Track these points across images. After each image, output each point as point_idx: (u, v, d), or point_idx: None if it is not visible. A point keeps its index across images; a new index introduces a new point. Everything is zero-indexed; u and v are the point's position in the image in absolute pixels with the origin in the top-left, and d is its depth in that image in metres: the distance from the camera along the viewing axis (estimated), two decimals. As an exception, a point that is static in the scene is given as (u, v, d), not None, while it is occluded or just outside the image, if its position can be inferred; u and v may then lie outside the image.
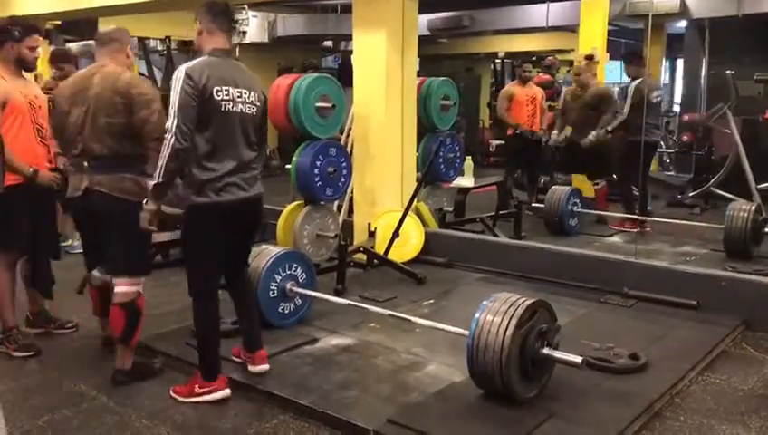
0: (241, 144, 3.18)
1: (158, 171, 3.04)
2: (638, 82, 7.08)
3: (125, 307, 3.45)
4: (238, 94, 3.15)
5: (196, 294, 3.29)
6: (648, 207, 7.57)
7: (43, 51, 4.24)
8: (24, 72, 4.01)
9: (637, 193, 7.25)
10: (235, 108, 3.13)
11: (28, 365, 3.69)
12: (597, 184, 7.34)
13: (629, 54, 7.74)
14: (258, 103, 3.25)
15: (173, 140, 2.99)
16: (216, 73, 3.10)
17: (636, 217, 6.82)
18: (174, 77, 3.07)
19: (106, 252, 3.51)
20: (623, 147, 7.11)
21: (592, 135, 7.06)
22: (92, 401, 3.33)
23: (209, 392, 3.27)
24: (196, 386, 3.29)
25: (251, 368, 3.49)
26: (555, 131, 7.61)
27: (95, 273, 3.67)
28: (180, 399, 3.29)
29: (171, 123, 3.00)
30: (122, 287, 3.46)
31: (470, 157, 7.35)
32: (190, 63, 3.11)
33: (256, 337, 3.53)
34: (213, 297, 3.31)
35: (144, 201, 3.18)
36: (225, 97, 3.10)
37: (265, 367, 3.49)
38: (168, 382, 3.51)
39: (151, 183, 3.10)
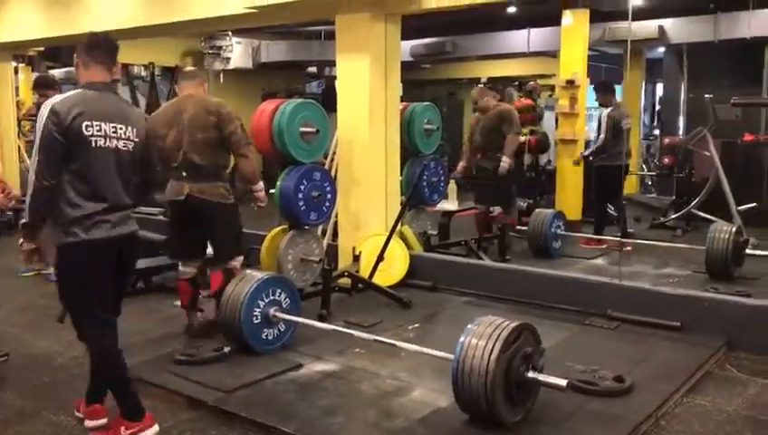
0: (115, 180, 3.07)
1: (25, 211, 3.00)
2: (609, 110, 7.44)
3: (226, 273, 4.37)
4: (113, 130, 3.05)
5: (87, 338, 3.19)
6: (630, 229, 7.67)
7: (26, 77, 4.26)
8: None
9: (617, 214, 7.51)
10: (107, 143, 3.03)
11: (5, 395, 3.62)
12: (491, 211, 7.09)
13: (600, 84, 7.95)
14: (137, 139, 3.14)
15: (35, 178, 2.91)
16: (87, 108, 3.00)
17: (604, 237, 7.31)
18: (39, 112, 3.00)
19: (212, 245, 4.45)
20: (596, 171, 7.51)
21: (504, 161, 6.81)
22: (72, 430, 3.27)
23: (138, 432, 3.11)
24: (122, 428, 3.11)
25: (86, 423, 3.27)
26: (461, 162, 7.48)
27: (183, 268, 4.44)
28: None
29: (34, 161, 2.94)
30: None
31: (454, 180, 7.36)
32: (58, 98, 3.02)
33: (100, 389, 3.29)
34: (106, 334, 3.15)
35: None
36: (96, 133, 2.99)
37: (100, 422, 3.24)
38: (149, 412, 3.46)
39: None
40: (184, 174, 4.27)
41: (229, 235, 4.48)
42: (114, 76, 3.25)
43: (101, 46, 3.17)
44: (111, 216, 3.05)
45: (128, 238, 3.15)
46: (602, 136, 7.37)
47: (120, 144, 3.08)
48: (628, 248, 7.03)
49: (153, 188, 3.47)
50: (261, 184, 4.62)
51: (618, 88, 12.09)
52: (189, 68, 4.74)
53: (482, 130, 7.02)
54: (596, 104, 9.32)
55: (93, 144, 2.99)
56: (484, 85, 8.20)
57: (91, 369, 3.26)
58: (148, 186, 3.40)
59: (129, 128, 3.12)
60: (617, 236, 7.11)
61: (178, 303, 5.25)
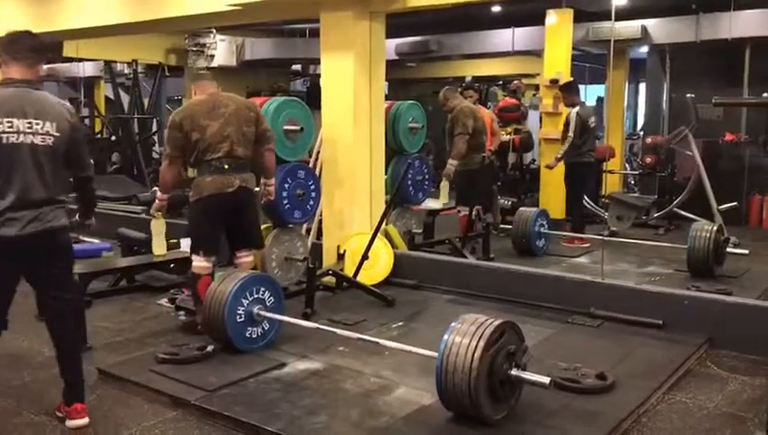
0: (30, 176, 3.05)
1: None
2: (577, 109, 7.59)
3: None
4: (28, 125, 3.04)
5: None
6: (613, 228, 7.77)
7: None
8: None
9: (601, 211, 7.55)
10: (20, 139, 3.02)
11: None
12: (459, 211, 7.10)
13: (566, 85, 8.05)
14: (57, 133, 3.11)
15: None
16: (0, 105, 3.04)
17: (583, 236, 7.46)
18: None
19: (251, 232, 4.62)
20: (567, 169, 7.70)
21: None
22: (54, 430, 3.24)
23: None
24: None
25: (68, 423, 3.25)
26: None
27: (204, 263, 4.40)
28: None
29: None
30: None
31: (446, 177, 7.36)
32: None
33: (74, 387, 3.29)
34: None
35: None
36: (7, 129, 3.00)
37: (82, 422, 3.24)
38: (132, 413, 3.44)
39: None
40: (226, 166, 4.32)
41: (258, 224, 4.83)
42: (38, 74, 3.22)
43: (22, 44, 3.18)
44: (24, 212, 3.04)
45: (43, 235, 3.10)
46: (571, 135, 7.49)
47: (38, 139, 3.07)
48: (587, 244, 7.32)
49: (86, 182, 3.38)
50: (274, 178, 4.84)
51: (601, 87, 12.21)
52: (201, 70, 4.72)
53: (446, 132, 7.05)
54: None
55: (4, 140, 3.01)
56: (462, 87, 8.21)
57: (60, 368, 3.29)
58: (81, 181, 3.35)
59: (48, 123, 3.10)
60: (600, 234, 7.16)
61: (163, 301, 5.26)
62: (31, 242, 3.07)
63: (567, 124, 7.64)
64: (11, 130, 3.02)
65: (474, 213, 6.90)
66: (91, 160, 3.49)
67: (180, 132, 4.37)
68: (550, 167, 7.88)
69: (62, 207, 3.20)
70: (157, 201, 4.72)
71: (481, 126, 7.02)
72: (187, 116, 4.41)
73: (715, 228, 5.98)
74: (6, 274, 3.15)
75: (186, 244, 5.43)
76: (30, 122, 3.06)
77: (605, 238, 6.67)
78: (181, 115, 4.44)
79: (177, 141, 4.38)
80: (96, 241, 7.08)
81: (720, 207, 7.51)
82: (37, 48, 3.23)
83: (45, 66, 3.51)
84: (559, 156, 7.64)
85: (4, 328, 3.25)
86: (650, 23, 9.27)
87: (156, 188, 4.91)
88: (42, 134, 3.08)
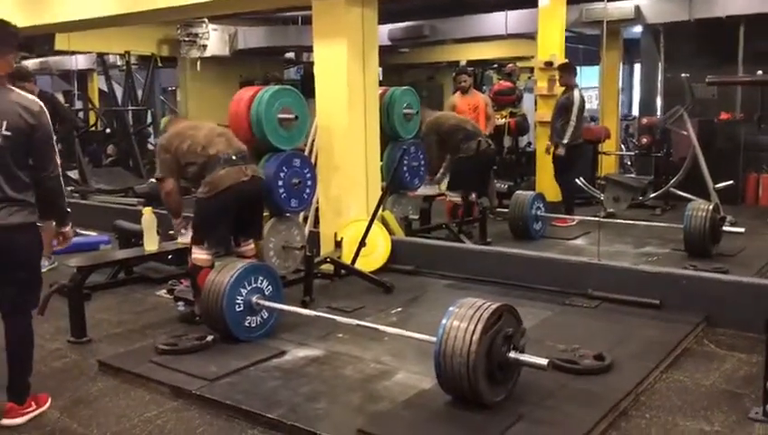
0: None
1: None
2: (577, 91, 7.59)
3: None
4: None
5: None
6: (610, 209, 7.80)
7: None
8: None
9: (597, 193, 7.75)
10: None
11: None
12: (446, 197, 7.19)
13: (564, 66, 7.98)
14: (7, 132, 3.06)
15: None
16: None
17: (571, 216, 7.59)
18: None
19: (254, 224, 4.68)
20: (565, 151, 7.59)
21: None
22: (56, 423, 3.26)
23: None
24: None
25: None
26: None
27: (206, 256, 4.42)
28: None
29: None
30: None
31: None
32: None
33: (12, 384, 3.27)
34: None
35: None
36: None
37: (14, 422, 3.21)
38: (134, 404, 3.46)
39: None
40: (234, 157, 4.37)
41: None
42: (6, 68, 3.16)
43: None
44: None
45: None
46: (574, 119, 7.47)
47: None
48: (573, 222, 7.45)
49: (45, 181, 3.24)
50: None
51: (596, 69, 12.17)
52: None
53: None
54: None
55: None
56: (456, 72, 8.42)
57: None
58: (40, 180, 3.23)
59: (3, 121, 3.05)
60: (596, 216, 7.19)
61: (161, 292, 5.27)
62: None
63: (564, 107, 7.60)
64: None
65: (469, 198, 6.93)
66: (58, 159, 3.31)
67: (168, 152, 4.43)
68: (560, 154, 7.62)
69: (18, 206, 3.13)
70: (176, 226, 4.84)
71: (450, 125, 7.07)
72: (172, 135, 4.51)
73: (711, 207, 5.99)
74: None
75: (183, 235, 5.44)
76: None
77: (601, 220, 6.69)
78: (166, 137, 4.55)
79: (168, 162, 4.43)
80: (94, 234, 7.08)
81: (716, 186, 7.52)
82: (2, 39, 3.14)
83: (38, 60, 3.45)
84: (566, 141, 7.51)
85: None
86: (643, 2, 9.24)
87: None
88: None
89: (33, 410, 3.29)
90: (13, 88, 3.20)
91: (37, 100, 3.23)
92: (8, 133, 3.07)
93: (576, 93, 7.55)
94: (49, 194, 3.29)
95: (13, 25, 3.25)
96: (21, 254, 3.20)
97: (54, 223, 3.43)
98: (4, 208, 3.09)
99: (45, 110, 3.22)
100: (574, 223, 7.48)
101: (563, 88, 7.84)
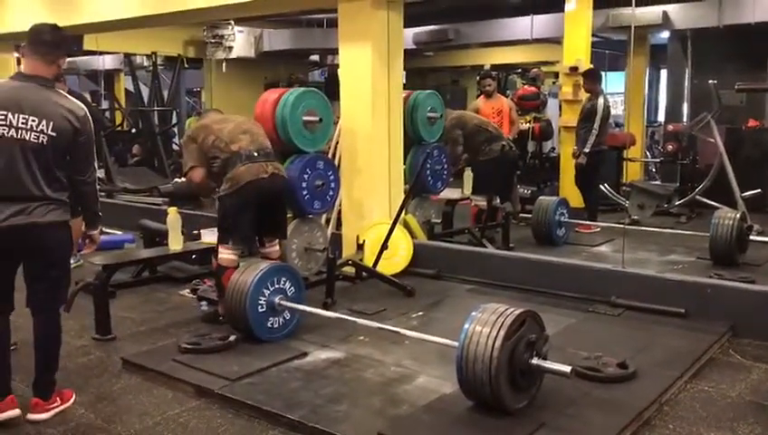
0: (18, 170, 3.07)
1: None
2: (602, 98, 7.50)
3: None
4: (22, 121, 3.06)
5: None
6: (634, 216, 7.71)
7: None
8: None
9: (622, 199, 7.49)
10: (11, 133, 3.05)
11: (16, 385, 3.62)
12: (471, 201, 7.15)
13: (589, 72, 7.88)
14: (53, 133, 3.10)
15: None
16: None
17: (596, 223, 7.48)
18: None
19: (278, 223, 4.64)
20: (588, 158, 7.49)
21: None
22: (80, 418, 3.30)
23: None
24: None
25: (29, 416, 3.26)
26: None
27: (231, 256, 4.43)
28: None
29: None
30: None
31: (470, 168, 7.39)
32: None
33: (38, 380, 3.31)
34: None
35: None
36: None
37: (39, 417, 3.24)
38: (156, 402, 3.49)
39: None
40: (256, 154, 4.39)
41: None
42: (56, 71, 3.22)
43: (40, 39, 3.19)
44: (8, 205, 3.05)
45: (28, 228, 3.09)
46: (596, 127, 7.39)
47: (31, 136, 3.07)
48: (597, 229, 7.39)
49: (80, 185, 3.28)
50: None
51: (621, 74, 12.08)
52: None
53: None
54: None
55: None
56: (480, 76, 8.41)
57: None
58: (75, 184, 3.27)
59: (45, 121, 3.09)
60: (620, 223, 7.12)
61: (184, 292, 5.32)
62: (12, 235, 3.08)
63: (589, 113, 7.53)
64: (3, 123, 3.05)
65: (493, 203, 6.90)
66: (96, 165, 3.38)
67: (195, 143, 4.48)
68: (582, 163, 7.55)
69: (55, 205, 3.17)
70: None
71: (473, 125, 7.04)
72: (199, 127, 4.59)
73: (738, 216, 5.91)
74: None
75: (206, 235, 5.49)
76: (26, 118, 3.07)
77: (626, 227, 6.63)
78: (193, 129, 4.66)
79: (195, 153, 4.47)
80: (119, 232, 7.16)
81: (743, 195, 7.41)
82: (55, 43, 3.23)
83: (67, 59, 3.49)
84: (587, 149, 7.43)
85: (11, 309, 3.28)
86: (671, 8, 9.16)
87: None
88: (36, 132, 3.08)
89: (58, 406, 3.33)
90: (61, 91, 3.27)
91: (82, 105, 3.28)
92: (53, 134, 3.12)
93: (601, 100, 7.47)
94: (83, 198, 3.35)
95: (63, 30, 3.32)
96: (53, 252, 3.25)
97: (84, 225, 3.47)
98: (41, 207, 3.13)
99: (89, 116, 3.27)
100: (598, 230, 7.41)
101: (588, 94, 7.78)
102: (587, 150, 7.44)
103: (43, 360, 3.32)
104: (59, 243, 3.25)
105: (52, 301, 3.32)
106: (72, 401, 3.41)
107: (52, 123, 3.12)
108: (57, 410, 3.31)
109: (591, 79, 7.70)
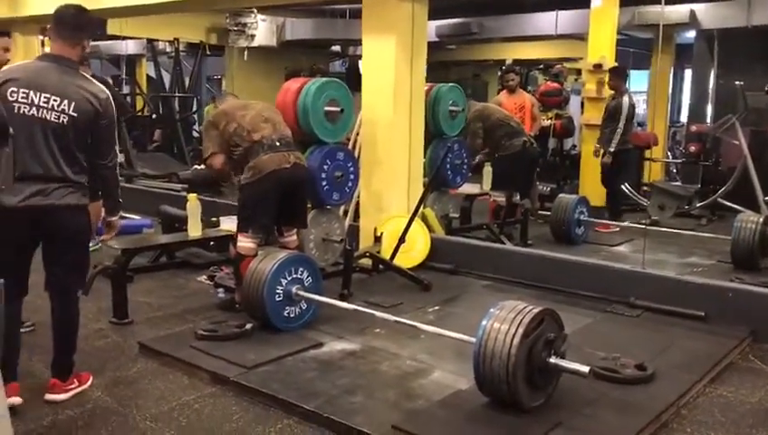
0: (40, 150, 3.07)
1: None
2: (627, 96, 7.43)
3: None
4: (45, 100, 3.06)
5: None
6: (654, 217, 7.64)
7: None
8: None
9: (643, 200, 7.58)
10: (32, 112, 3.05)
11: (34, 366, 3.67)
12: (490, 197, 7.13)
13: (615, 70, 7.79)
14: (74, 114, 3.10)
15: None
16: (22, 75, 3.10)
17: (616, 223, 7.44)
18: None
19: (297, 212, 4.61)
20: (613, 157, 7.44)
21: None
22: (97, 401, 3.32)
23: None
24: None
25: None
26: None
27: (251, 244, 4.39)
28: None
29: None
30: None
31: (489, 163, 7.35)
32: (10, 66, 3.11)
33: (56, 361, 3.32)
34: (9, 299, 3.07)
35: None
36: (20, 99, 3.04)
37: (57, 397, 3.26)
38: (172, 387, 3.51)
39: None
40: (278, 143, 4.39)
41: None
42: (81, 53, 3.23)
43: (66, 22, 3.20)
44: (27, 184, 3.04)
45: (46, 210, 3.09)
46: (621, 126, 7.33)
47: (52, 115, 3.08)
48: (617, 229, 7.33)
49: (101, 169, 3.27)
50: None
51: (645, 73, 11.95)
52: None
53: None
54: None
55: (16, 110, 3.03)
56: (502, 71, 8.34)
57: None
58: (96, 168, 3.26)
59: (66, 102, 3.09)
60: (641, 223, 7.06)
61: (202, 278, 5.34)
62: (31, 215, 3.08)
63: (614, 112, 7.46)
64: (24, 101, 3.05)
65: (513, 199, 6.86)
66: (117, 150, 3.38)
67: (216, 129, 4.47)
68: (607, 163, 7.52)
69: (73, 188, 3.17)
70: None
71: (496, 118, 6.96)
72: (220, 114, 4.55)
73: (761, 220, 5.84)
74: (9, 242, 3.12)
75: (225, 222, 5.50)
76: (48, 97, 3.07)
77: (646, 227, 6.57)
78: (215, 114, 4.62)
79: (216, 138, 4.47)
80: (137, 217, 7.20)
81: (766, 198, 7.32)
82: (80, 26, 3.23)
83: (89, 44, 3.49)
84: (612, 149, 7.38)
85: (25, 293, 3.26)
86: (699, 7, 9.03)
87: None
88: (57, 111, 3.08)
89: (76, 388, 3.35)
90: (84, 74, 3.27)
91: (105, 89, 3.27)
92: (74, 114, 3.12)
93: (625, 99, 7.40)
94: (104, 182, 3.34)
95: (90, 12, 3.32)
96: (72, 235, 3.25)
97: (104, 210, 3.47)
98: (60, 189, 3.13)
99: (112, 100, 3.27)
100: (617, 229, 7.35)
101: (612, 91, 7.70)
102: (612, 150, 7.38)
103: (61, 342, 3.34)
104: (77, 226, 3.24)
105: (70, 284, 3.33)
106: (89, 383, 3.43)
107: (73, 104, 3.11)
108: (75, 391, 3.34)
109: (617, 76, 7.63)
